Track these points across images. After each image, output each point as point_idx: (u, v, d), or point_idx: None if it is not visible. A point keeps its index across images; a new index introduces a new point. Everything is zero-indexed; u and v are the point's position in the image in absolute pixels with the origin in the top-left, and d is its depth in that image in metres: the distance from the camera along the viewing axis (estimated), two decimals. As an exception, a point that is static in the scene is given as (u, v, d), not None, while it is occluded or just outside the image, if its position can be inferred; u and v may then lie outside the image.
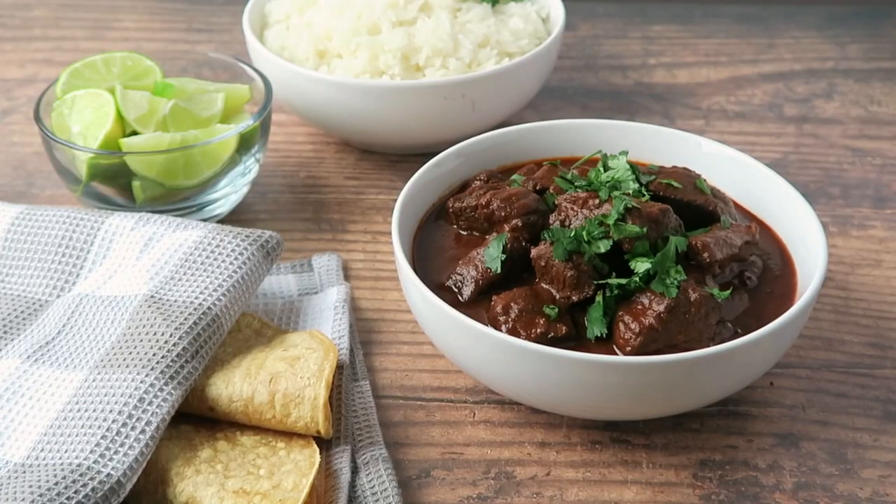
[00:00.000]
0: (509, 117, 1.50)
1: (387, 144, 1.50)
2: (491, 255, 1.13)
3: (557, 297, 1.09)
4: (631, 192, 1.14)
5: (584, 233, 1.09)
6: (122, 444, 1.00)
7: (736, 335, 1.08)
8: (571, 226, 1.12)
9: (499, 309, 1.09)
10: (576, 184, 1.16)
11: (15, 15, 1.86)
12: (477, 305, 1.11)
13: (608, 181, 1.15)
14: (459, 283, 1.13)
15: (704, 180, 1.20)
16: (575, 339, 1.08)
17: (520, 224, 1.14)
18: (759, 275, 1.16)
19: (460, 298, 1.12)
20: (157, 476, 1.03)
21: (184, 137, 1.30)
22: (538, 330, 1.07)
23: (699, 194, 1.18)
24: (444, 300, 1.07)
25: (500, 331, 1.07)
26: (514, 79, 1.44)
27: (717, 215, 1.17)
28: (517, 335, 1.07)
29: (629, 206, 1.10)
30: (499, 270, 1.12)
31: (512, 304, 1.09)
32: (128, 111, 1.32)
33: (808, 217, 1.17)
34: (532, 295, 1.10)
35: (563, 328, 1.08)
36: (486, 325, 1.08)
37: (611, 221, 1.09)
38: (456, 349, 1.09)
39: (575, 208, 1.12)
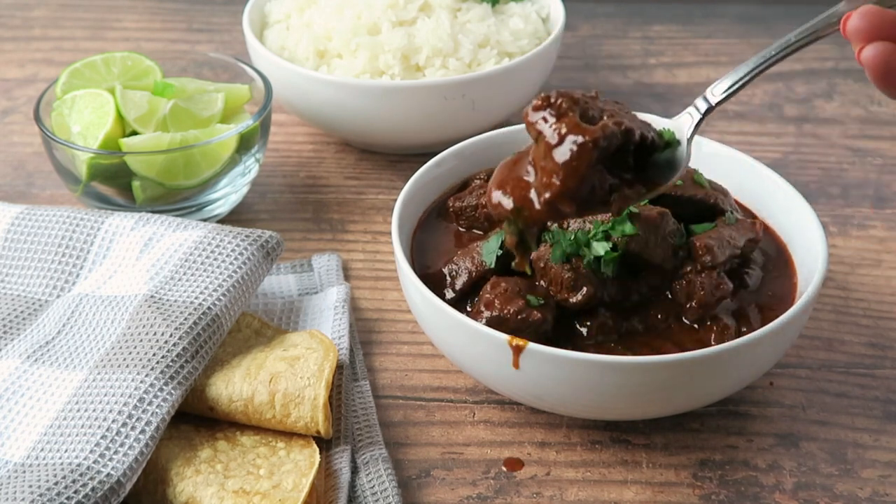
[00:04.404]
0: (509, 117, 1.50)
1: (387, 144, 1.50)
2: (489, 248, 1.13)
3: (557, 298, 1.09)
4: None
5: (583, 236, 1.09)
6: (121, 444, 1.00)
7: (736, 335, 1.08)
8: (570, 228, 1.12)
9: (488, 287, 1.09)
10: None
11: (15, 15, 1.86)
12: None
13: None
14: (455, 273, 1.13)
15: (701, 174, 1.20)
16: (553, 337, 1.08)
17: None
18: (759, 275, 1.16)
19: (454, 286, 1.13)
20: (157, 476, 1.03)
21: (184, 137, 1.30)
22: (512, 308, 1.07)
23: (699, 189, 1.18)
24: (442, 296, 1.07)
25: (480, 304, 1.07)
26: (514, 79, 1.44)
27: (718, 207, 1.17)
28: (492, 307, 1.07)
29: (628, 211, 1.09)
30: (492, 265, 1.12)
31: (503, 283, 1.09)
32: (128, 111, 1.32)
33: (808, 217, 1.17)
34: (527, 285, 1.10)
35: (538, 315, 1.07)
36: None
37: (611, 230, 1.09)
38: (455, 349, 1.09)
39: None
